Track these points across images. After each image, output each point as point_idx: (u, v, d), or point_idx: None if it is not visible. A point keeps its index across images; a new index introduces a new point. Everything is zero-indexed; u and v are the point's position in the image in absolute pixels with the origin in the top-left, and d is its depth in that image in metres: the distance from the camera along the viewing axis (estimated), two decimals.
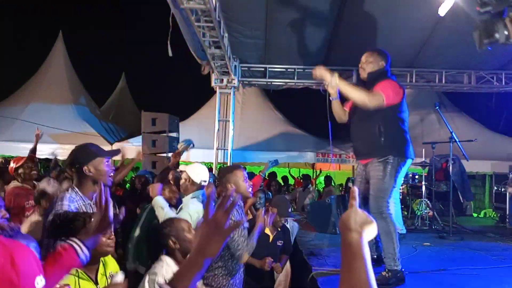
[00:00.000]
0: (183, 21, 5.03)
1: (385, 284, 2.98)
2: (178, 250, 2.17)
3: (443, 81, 7.61)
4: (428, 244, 4.58)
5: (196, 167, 3.18)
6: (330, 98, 3.39)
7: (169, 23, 4.67)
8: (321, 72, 3.30)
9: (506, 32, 1.91)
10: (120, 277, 1.67)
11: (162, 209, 2.99)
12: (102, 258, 1.93)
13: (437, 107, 5.46)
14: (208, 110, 9.82)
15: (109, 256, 2.00)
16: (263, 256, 3.22)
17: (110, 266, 1.98)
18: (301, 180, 11.08)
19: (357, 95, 3.15)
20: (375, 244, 3.54)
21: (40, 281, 0.99)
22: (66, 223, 1.79)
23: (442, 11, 4.37)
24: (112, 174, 2.22)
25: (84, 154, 2.17)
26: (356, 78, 7.64)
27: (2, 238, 1.00)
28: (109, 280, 1.87)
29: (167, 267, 2.08)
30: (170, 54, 4.73)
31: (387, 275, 3.05)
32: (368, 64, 3.31)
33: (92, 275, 1.84)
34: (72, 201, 2.05)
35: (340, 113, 3.45)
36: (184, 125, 8.11)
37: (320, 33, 6.45)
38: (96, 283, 1.83)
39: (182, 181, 3.17)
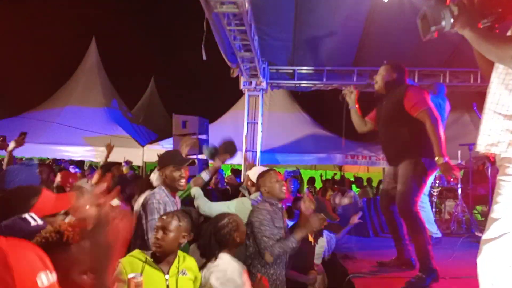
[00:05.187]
0: (215, 25, 5.11)
1: (422, 285, 2.92)
2: (237, 243, 2.36)
3: (479, 80, 7.36)
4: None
5: (255, 169, 3.42)
6: (349, 107, 3.56)
7: (197, 28, 4.76)
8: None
9: (451, 20, 1.87)
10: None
11: (196, 198, 3.19)
12: (180, 254, 2.11)
13: (475, 108, 5.29)
14: (236, 113, 9.90)
15: (190, 256, 2.20)
16: (307, 263, 3.22)
17: (187, 263, 2.13)
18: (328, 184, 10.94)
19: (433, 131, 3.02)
20: (404, 247, 3.48)
21: (44, 277, 0.92)
22: None
23: None
24: (182, 180, 2.59)
25: (161, 160, 2.64)
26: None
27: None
28: (179, 276, 2.03)
29: (226, 265, 2.23)
30: (204, 57, 4.82)
31: (423, 275, 2.98)
32: (379, 76, 3.42)
33: (164, 266, 2.03)
34: (160, 195, 2.51)
35: (359, 122, 3.58)
36: (212, 127, 8.21)
37: (349, 33, 6.38)
38: (166, 273, 2.01)
39: (246, 182, 3.48)
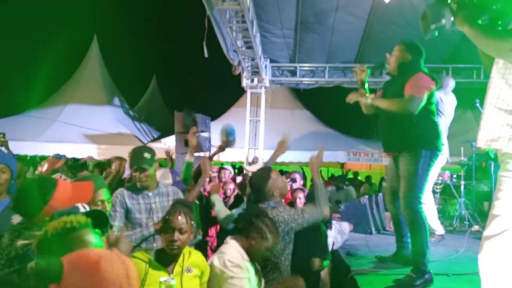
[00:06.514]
0: (217, 22, 5.10)
1: (411, 285, 2.89)
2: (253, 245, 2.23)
3: (482, 77, 7.33)
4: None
5: (255, 167, 3.30)
6: (358, 87, 3.37)
7: (198, 26, 4.76)
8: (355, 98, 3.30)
9: (451, 18, 1.85)
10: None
11: (218, 210, 3.25)
12: (185, 250, 2.07)
13: (478, 104, 5.26)
14: (238, 110, 9.90)
15: (196, 250, 2.17)
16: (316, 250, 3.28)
17: (193, 258, 2.08)
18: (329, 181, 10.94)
19: (395, 106, 3.03)
20: (405, 244, 3.47)
21: None
22: None
23: None
24: (140, 179, 2.63)
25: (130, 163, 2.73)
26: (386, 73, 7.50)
27: (118, 253, 1.12)
28: (184, 274, 1.99)
29: (230, 248, 2.18)
30: (206, 55, 4.80)
31: (414, 275, 2.94)
32: (392, 57, 3.26)
33: (168, 266, 2.00)
34: (122, 191, 2.66)
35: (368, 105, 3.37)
36: (214, 125, 8.21)
37: (351, 30, 6.36)
38: (170, 273, 1.98)
39: None
